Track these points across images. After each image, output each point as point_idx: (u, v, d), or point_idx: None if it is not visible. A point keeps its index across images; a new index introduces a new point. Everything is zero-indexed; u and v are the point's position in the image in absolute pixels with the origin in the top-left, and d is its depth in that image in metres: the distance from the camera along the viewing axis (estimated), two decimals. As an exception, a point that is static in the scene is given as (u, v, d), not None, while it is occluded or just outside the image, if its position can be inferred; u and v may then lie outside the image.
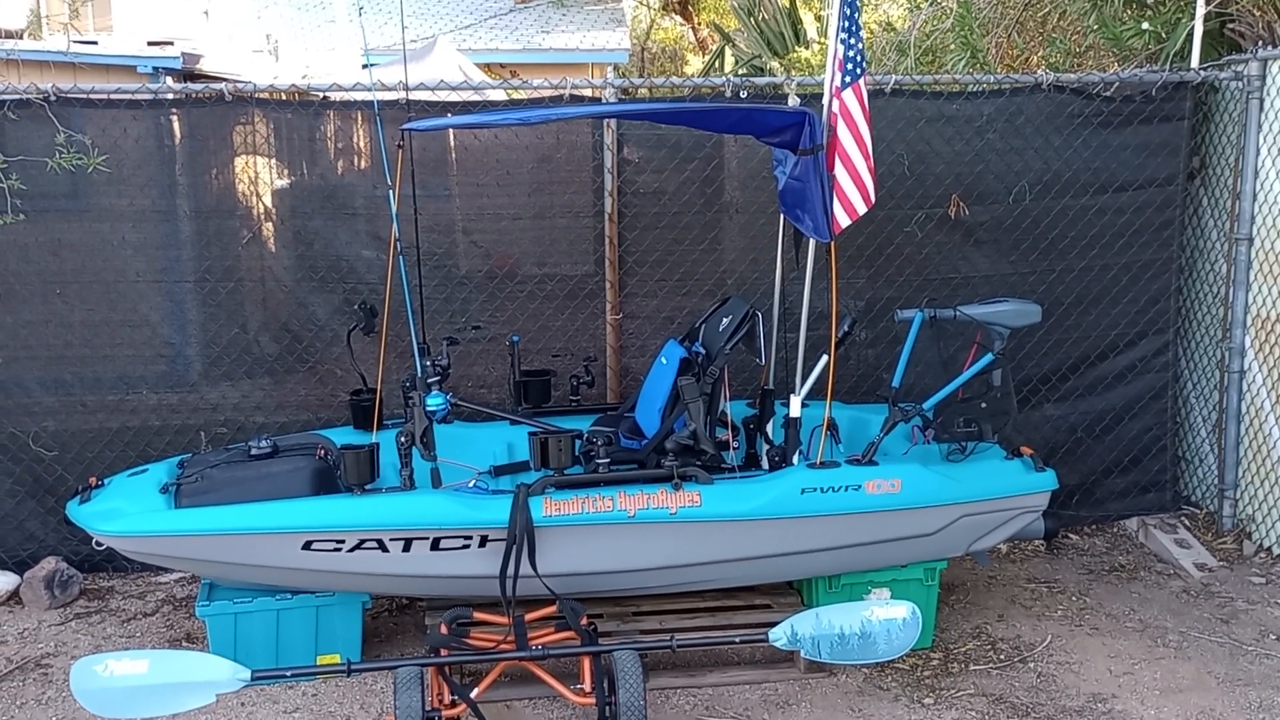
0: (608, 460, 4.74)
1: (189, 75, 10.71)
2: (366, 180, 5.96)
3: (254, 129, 5.85)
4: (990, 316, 5.13)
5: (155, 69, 10.51)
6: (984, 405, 5.18)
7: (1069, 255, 6.32)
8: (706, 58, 19.69)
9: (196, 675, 4.01)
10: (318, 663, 4.83)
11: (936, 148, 6.15)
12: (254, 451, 4.86)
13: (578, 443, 4.73)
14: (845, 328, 5.56)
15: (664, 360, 5.24)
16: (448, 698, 4.24)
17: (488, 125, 5.71)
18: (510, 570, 4.49)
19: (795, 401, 5.02)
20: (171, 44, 11.36)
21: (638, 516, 4.61)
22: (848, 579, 5.04)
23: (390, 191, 4.81)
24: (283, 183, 5.92)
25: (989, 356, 4.90)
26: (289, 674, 4.40)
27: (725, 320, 5.14)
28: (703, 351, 5.20)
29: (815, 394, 5.11)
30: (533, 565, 4.51)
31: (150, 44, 11.42)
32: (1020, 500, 5.01)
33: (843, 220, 4.74)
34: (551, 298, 6.12)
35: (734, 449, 5.23)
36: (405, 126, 4.79)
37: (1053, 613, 5.57)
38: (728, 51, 16.74)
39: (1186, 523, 6.52)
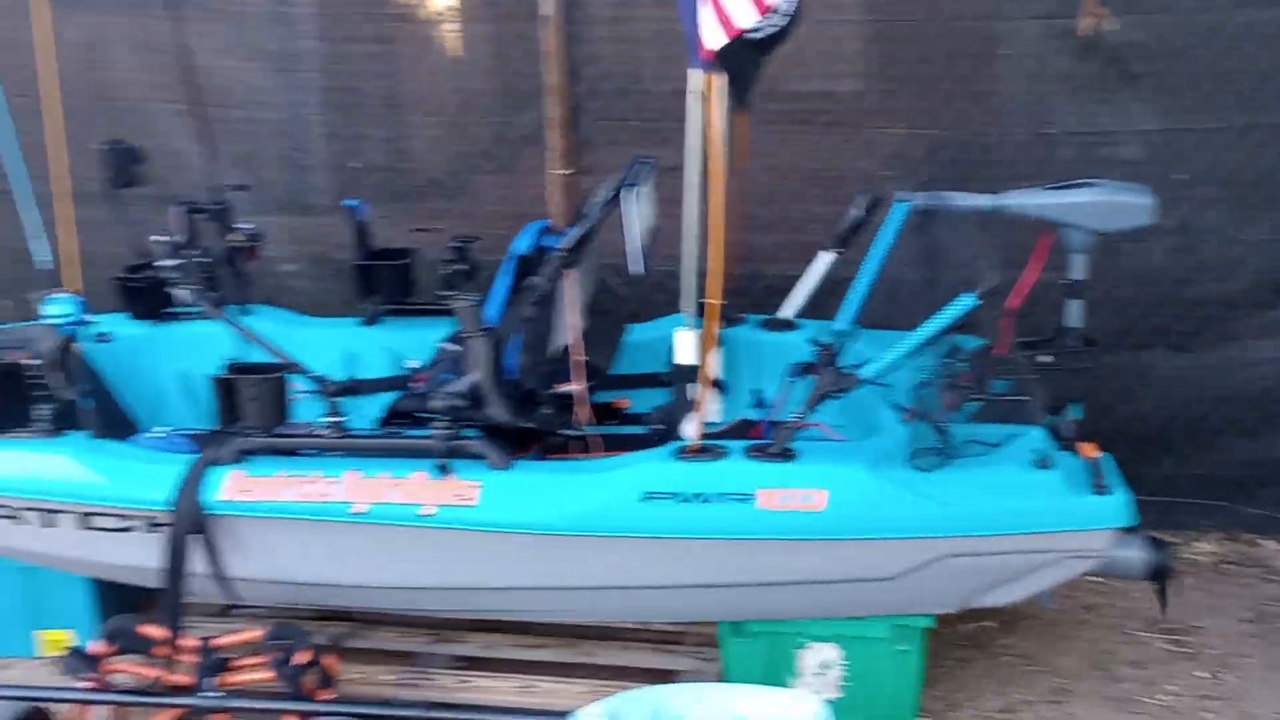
0: (344, 416, 3.03)
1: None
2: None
3: None
4: (1052, 212, 2.92)
5: None
6: (1054, 360, 3.06)
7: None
8: None
9: None
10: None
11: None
12: None
13: (300, 379, 3.04)
14: (863, 210, 3.55)
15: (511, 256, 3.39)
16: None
17: None
18: (178, 571, 2.96)
19: (685, 338, 3.05)
20: None
21: (370, 514, 2.91)
22: (763, 626, 3.14)
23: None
24: None
25: (970, 299, 2.67)
26: None
27: (601, 192, 3.23)
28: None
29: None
30: (215, 566, 2.97)
31: None
32: (1054, 540, 2.87)
33: (712, 39, 2.64)
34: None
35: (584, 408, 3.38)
36: None
37: (1158, 695, 3.40)
38: None
39: None
